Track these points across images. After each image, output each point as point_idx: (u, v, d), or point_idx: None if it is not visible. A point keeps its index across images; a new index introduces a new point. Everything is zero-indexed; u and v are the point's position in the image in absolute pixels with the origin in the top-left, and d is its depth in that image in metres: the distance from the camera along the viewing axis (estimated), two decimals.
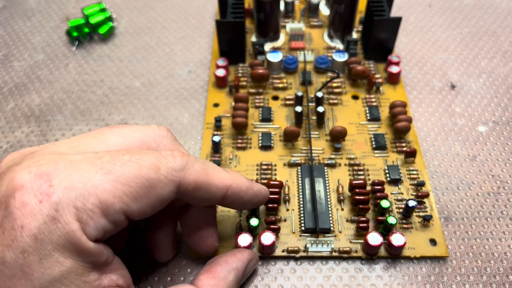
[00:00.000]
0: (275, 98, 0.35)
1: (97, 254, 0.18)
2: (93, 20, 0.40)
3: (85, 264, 0.18)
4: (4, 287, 0.17)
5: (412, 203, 0.27)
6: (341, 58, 0.35)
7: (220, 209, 0.28)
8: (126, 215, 0.19)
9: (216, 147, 0.30)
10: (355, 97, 0.34)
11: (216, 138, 0.30)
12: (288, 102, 0.34)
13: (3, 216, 0.17)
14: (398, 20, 0.34)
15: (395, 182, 0.29)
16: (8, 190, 0.17)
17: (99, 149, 0.20)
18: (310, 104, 0.33)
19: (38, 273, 0.17)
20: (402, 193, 0.29)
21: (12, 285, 0.17)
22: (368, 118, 0.33)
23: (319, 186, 0.29)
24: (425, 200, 0.28)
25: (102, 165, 0.18)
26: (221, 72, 0.34)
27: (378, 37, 0.35)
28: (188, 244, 0.25)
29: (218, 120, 0.32)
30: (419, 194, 0.28)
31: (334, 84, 0.35)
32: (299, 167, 0.30)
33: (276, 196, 0.27)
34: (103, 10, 0.41)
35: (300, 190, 0.29)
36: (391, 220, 0.26)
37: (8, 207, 0.17)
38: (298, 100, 0.32)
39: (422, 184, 0.29)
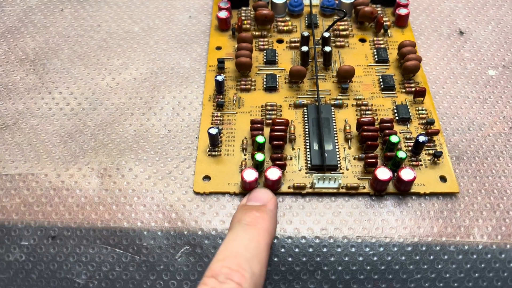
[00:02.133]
0: (280, 41, 0.33)
1: None
2: None
3: None
4: None
5: (422, 138, 0.26)
6: None
7: (224, 148, 0.27)
8: None
9: (220, 87, 0.29)
10: (362, 40, 0.33)
11: (220, 78, 0.29)
12: (293, 44, 0.33)
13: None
14: None
15: (404, 121, 0.28)
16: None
17: None
18: (316, 47, 0.32)
19: None
20: (411, 132, 0.28)
21: None
22: (376, 60, 0.32)
23: (325, 124, 0.28)
24: (435, 138, 0.28)
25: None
26: (223, 14, 0.33)
27: None
28: None
29: (221, 61, 0.31)
30: (429, 131, 0.27)
31: (341, 27, 0.33)
32: (305, 108, 0.29)
33: (282, 134, 0.27)
34: None
35: (307, 130, 0.28)
36: (401, 154, 0.25)
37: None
38: (304, 41, 0.31)
39: (432, 122, 0.28)
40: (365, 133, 0.27)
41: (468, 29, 0.35)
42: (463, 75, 0.32)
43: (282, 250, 0.24)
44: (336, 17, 0.35)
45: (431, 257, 0.23)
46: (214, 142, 0.27)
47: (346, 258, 0.23)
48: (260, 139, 0.26)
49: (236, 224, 0.22)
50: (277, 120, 0.27)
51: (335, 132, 0.28)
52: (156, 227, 0.24)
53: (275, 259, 0.23)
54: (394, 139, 0.26)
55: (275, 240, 0.24)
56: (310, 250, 0.24)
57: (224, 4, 0.34)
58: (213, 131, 0.26)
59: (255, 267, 0.19)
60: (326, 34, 0.31)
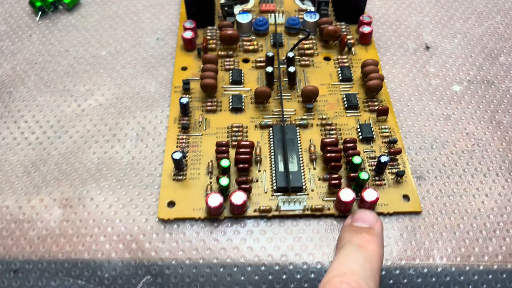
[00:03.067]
0: (246, 60, 0.34)
1: None
2: None
3: None
4: None
5: (384, 159, 0.26)
6: (312, 18, 0.34)
7: (190, 172, 0.27)
8: None
9: (184, 109, 0.29)
10: (327, 59, 0.33)
11: (184, 100, 0.29)
12: (259, 64, 0.33)
13: None
14: None
15: (368, 140, 0.29)
16: None
17: None
18: (281, 66, 0.32)
19: None
20: (374, 151, 0.28)
21: None
22: (340, 78, 0.32)
23: (290, 145, 0.28)
24: (398, 157, 0.28)
25: None
26: (188, 34, 0.33)
27: None
28: None
29: (186, 82, 0.31)
30: (392, 150, 0.28)
31: (306, 46, 0.34)
32: (271, 128, 0.29)
33: (247, 157, 0.27)
34: None
35: (272, 151, 0.28)
36: (363, 175, 0.25)
37: None
38: (269, 61, 0.31)
39: (394, 141, 0.28)
40: (328, 154, 0.27)
41: (434, 44, 0.35)
42: (428, 91, 0.32)
43: (242, 278, 0.24)
44: (301, 36, 0.35)
45: (391, 281, 0.23)
46: (179, 166, 0.27)
47: (306, 285, 0.23)
48: (224, 163, 0.26)
49: (348, 244, 0.22)
50: (242, 142, 0.27)
51: (300, 153, 0.28)
52: (116, 257, 0.24)
53: (236, 287, 0.23)
54: (356, 160, 0.26)
55: (235, 268, 0.24)
56: (270, 277, 0.24)
57: (189, 24, 0.34)
58: (177, 155, 0.26)
59: (372, 287, 0.19)
60: (291, 54, 0.31)
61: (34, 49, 0.35)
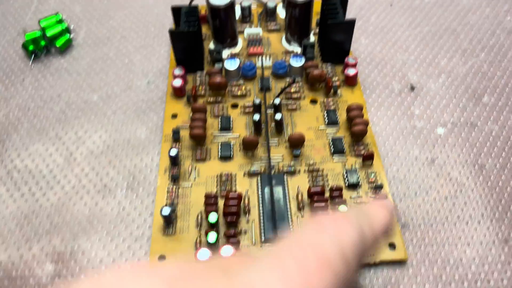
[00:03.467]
0: (235, 106, 0.34)
1: None
2: (49, 33, 0.39)
3: None
4: None
5: None
6: (298, 63, 0.35)
7: (179, 224, 0.28)
8: None
9: (174, 161, 0.30)
10: (313, 101, 0.34)
11: (173, 152, 0.30)
12: (247, 109, 0.34)
13: None
14: (352, 23, 0.34)
15: (354, 186, 0.29)
16: None
17: None
18: (269, 111, 0.33)
19: None
20: (361, 197, 0.29)
21: None
22: (326, 122, 0.33)
23: (278, 195, 0.29)
24: None
25: (295, 281, 0.13)
26: (178, 82, 0.34)
27: (333, 40, 0.35)
28: None
29: (176, 132, 0.32)
30: (378, 197, 0.28)
31: (293, 90, 0.34)
32: (258, 177, 0.30)
33: (235, 210, 0.27)
34: (60, 21, 0.40)
35: (260, 200, 0.29)
36: None
37: None
38: (257, 108, 0.32)
39: (380, 187, 0.29)
40: (315, 204, 0.27)
41: (419, 84, 0.36)
42: (412, 134, 0.33)
43: None
44: (288, 79, 0.35)
45: None
46: (168, 221, 0.28)
47: None
48: (212, 218, 0.27)
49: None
50: (231, 194, 0.28)
51: (288, 202, 0.28)
52: None
53: None
54: (342, 209, 0.27)
55: None
56: None
57: (179, 71, 0.35)
58: (166, 211, 0.27)
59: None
60: (277, 101, 0.32)
61: (27, 95, 0.36)
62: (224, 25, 0.35)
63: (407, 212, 0.29)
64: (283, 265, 0.13)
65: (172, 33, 0.33)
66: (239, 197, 0.28)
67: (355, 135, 0.31)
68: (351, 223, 0.16)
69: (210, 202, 0.28)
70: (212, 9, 0.34)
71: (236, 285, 0.13)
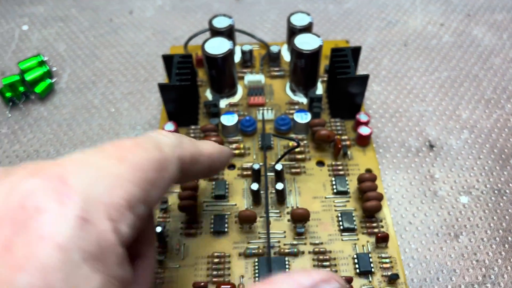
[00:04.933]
0: (232, 166, 0.30)
1: (127, 266, 0.15)
2: (29, 77, 0.36)
3: (114, 283, 0.14)
4: None
5: None
6: (303, 119, 0.31)
7: None
8: (146, 205, 0.16)
9: (160, 238, 0.26)
10: (320, 163, 0.30)
11: (158, 229, 0.26)
12: (245, 172, 0.30)
13: (12, 233, 0.13)
14: (365, 78, 0.30)
15: (366, 274, 0.25)
16: (12, 206, 0.13)
17: None
18: (269, 174, 0.29)
19: None
20: (373, 287, 0.25)
21: None
22: (335, 191, 0.29)
23: None
24: None
25: (113, 155, 0.16)
26: None
27: (344, 95, 0.31)
28: None
29: (163, 201, 0.28)
30: None
31: (297, 150, 0.31)
32: (256, 259, 0.26)
33: None
34: (41, 63, 0.37)
35: None
36: None
37: (17, 222, 0.13)
38: (255, 175, 0.28)
39: (396, 277, 0.25)
40: None
41: (438, 141, 0.32)
42: (433, 204, 0.29)
43: None
44: (292, 135, 0.32)
45: None
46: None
47: None
48: None
49: None
50: (222, 287, 0.24)
51: None
52: None
53: None
54: None
55: None
56: None
57: (170, 127, 0.31)
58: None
59: None
60: (279, 167, 0.28)
61: (1, 150, 0.32)
62: (222, 75, 0.32)
63: None
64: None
65: (162, 87, 0.29)
66: None
67: (367, 211, 0.27)
68: (171, 133, 0.20)
69: None
70: (209, 58, 0.30)
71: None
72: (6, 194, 0.14)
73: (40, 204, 0.13)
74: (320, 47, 0.31)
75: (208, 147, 0.22)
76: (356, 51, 0.31)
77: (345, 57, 0.30)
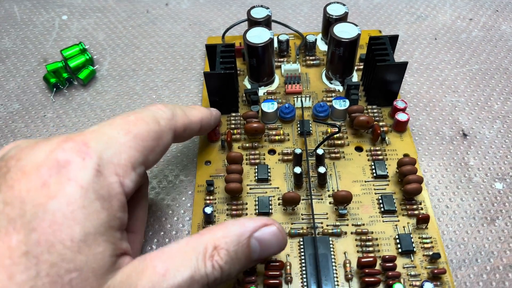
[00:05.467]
0: (272, 152, 0.32)
1: (125, 210, 0.20)
2: (72, 64, 0.37)
3: (115, 220, 0.19)
4: (44, 233, 0.17)
5: (428, 286, 0.24)
6: (342, 106, 0.32)
7: None
8: (145, 166, 0.22)
9: (209, 218, 0.27)
10: (358, 149, 0.31)
11: (208, 210, 0.27)
12: (286, 157, 0.31)
13: (48, 176, 0.18)
14: (404, 65, 0.31)
15: (408, 253, 0.26)
16: (50, 158, 0.19)
17: None
18: (310, 159, 0.30)
19: (79, 218, 0.18)
20: (415, 267, 0.26)
21: (52, 230, 0.17)
22: (374, 175, 0.30)
23: (324, 262, 0.26)
24: (441, 276, 0.25)
25: (120, 126, 0.21)
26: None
27: (381, 82, 0.32)
28: None
29: (210, 183, 0.29)
30: (435, 271, 0.25)
31: (335, 136, 0.32)
32: (301, 238, 0.27)
33: (277, 281, 0.24)
34: (83, 50, 0.38)
35: (303, 268, 0.26)
36: None
37: (53, 168, 0.18)
38: (297, 159, 0.29)
39: (437, 257, 0.26)
40: (366, 279, 0.25)
41: (472, 130, 0.33)
42: (468, 190, 0.30)
43: None
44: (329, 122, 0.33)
45: None
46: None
47: None
48: None
49: None
50: (271, 264, 0.25)
51: (334, 271, 0.25)
52: None
53: None
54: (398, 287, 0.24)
55: None
56: None
57: None
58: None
59: None
60: (320, 151, 0.29)
61: (48, 132, 0.34)
62: (262, 63, 0.33)
63: (469, 283, 0.26)
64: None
65: (207, 75, 0.30)
66: (281, 266, 0.25)
67: (408, 193, 0.28)
68: (166, 106, 0.25)
69: (248, 271, 0.25)
70: (250, 47, 0.31)
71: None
72: (46, 151, 0.19)
73: (69, 158, 0.19)
74: (358, 35, 0.32)
75: (198, 114, 0.27)
76: (394, 39, 0.32)
77: (383, 45, 0.31)
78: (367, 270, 0.25)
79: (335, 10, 0.35)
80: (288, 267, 0.26)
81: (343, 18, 0.35)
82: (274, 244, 0.22)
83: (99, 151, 0.20)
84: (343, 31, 0.32)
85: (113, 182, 0.19)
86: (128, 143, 0.21)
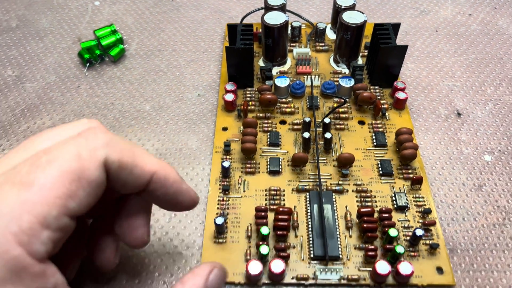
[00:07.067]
0: (283, 122, 0.35)
1: (45, 275, 0.17)
2: (104, 42, 0.41)
3: None
4: None
5: (419, 232, 0.27)
6: (347, 84, 0.36)
7: (230, 234, 0.28)
8: (68, 216, 0.18)
9: (226, 172, 0.31)
10: (361, 122, 0.35)
11: (226, 164, 0.31)
12: (295, 126, 0.34)
13: None
14: (404, 48, 0.34)
15: (402, 209, 0.30)
16: None
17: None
18: (317, 129, 0.34)
19: None
20: (409, 220, 0.29)
21: None
22: (375, 144, 0.33)
23: (327, 212, 0.29)
24: (431, 228, 0.29)
25: (22, 179, 0.17)
26: (229, 97, 0.35)
27: (384, 64, 0.35)
28: (118, 235, 0.23)
29: (227, 144, 0.33)
30: (426, 222, 0.28)
31: (341, 110, 0.35)
32: (307, 193, 0.30)
33: (285, 224, 0.28)
34: (114, 32, 0.42)
35: (309, 217, 0.29)
36: (399, 249, 0.26)
37: None
38: (306, 126, 0.33)
39: (428, 211, 0.29)
40: (365, 225, 0.28)
41: (465, 110, 0.36)
42: (459, 160, 0.33)
43: None
44: (336, 99, 0.36)
45: None
46: (220, 230, 0.28)
47: None
48: (264, 230, 0.27)
49: None
50: (281, 209, 0.28)
51: (336, 220, 0.29)
52: None
53: None
54: (393, 232, 0.27)
55: None
56: None
57: (230, 86, 0.36)
58: (219, 220, 0.27)
59: None
60: (327, 120, 0.33)
61: (82, 101, 0.37)
62: (276, 44, 0.36)
63: (455, 237, 0.29)
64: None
65: (228, 49, 0.34)
66: (289, 212, 0.28)
67: (404, 158, 0.31)
68: (108, 133, 0.20)
69: (260, 215, 0.29)
70: (267, 27, 0.35)
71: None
72: None
73: None
74: (365, 21, 0.35)
75: (154, 164, 0.21)
76: (396, 26, 0.36)
77: (387, 31, 0.35)
78: (365, 218, 0.28)
79: (344, 1, 0.39)
80: (295, 215, 0.29)
81: (351, 8, 0.39)
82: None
83: None
84: (351, 17, 0.36)
85: (17, 256, 0.16)
86: (31, 200, 0.17)
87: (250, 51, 0.34)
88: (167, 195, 0.22)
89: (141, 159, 0.20)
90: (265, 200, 0.30)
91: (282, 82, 0.36)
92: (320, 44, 0.41)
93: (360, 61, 0.39)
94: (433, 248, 0.27)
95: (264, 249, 0.26)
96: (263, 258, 0.27)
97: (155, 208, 0.24)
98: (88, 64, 0.40)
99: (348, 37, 0.36)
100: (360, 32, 0.36)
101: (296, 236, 0.28)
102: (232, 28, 0.37)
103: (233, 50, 0.34)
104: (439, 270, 0.27)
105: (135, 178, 0.20)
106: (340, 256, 0.27)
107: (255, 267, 0.26)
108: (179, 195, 0.22)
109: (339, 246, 0.28)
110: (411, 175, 0.31)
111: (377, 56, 0.35)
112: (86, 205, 0.18)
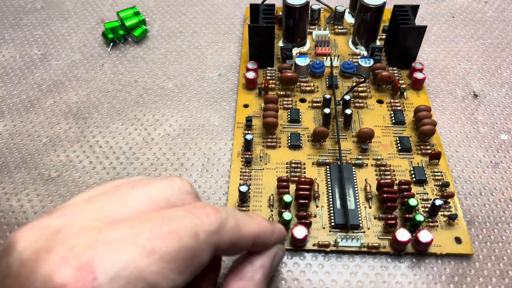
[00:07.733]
0: (303, 100, 0.36)
1: None
2: (128, 23, 0.42)
3: None
4: None
5: (438, 202, 0.28)
6: (367, 63, 0.36)
7: (252, 204, 0.29)
8: None
9: (248, 145, 0.32)
10: (380, 101, 0.36)
11: (249, 137, 0.31)
12: (315, 104, 0.35)
13: None
14: (423, 29, 0.35)
15: (421, 182, 0.30)
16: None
17: (128, 215, 0.18)
18: (337, 107, 0.35)
19: None
20: (427, 193, 0.30)
21: None
22: (393, 121, 0.34)
23: (348, 184, 0.30)
24: (449, 200, 0.29)
25: (143, 244, 0.17)
26: (251, 75, 0.36)
27: (402, 45, 0.36)
28: None
29: (249, 119, 0.34)
30: (445, 194, 0.29)
31: (360, 89, 0.36)
32: (327, 166, 0.31)
33: (307, 193, 0.29)
34: (136, 13, 0.43)
35: (329, 188, 0.30)
36: (419, 217, 0.27)
37: None
38: (326, 103, 0.34)
39: (447, 185, 0.30)
40: (385, 195, 0.29)
41: (482, 92, 0.37)
42: (476, 139, 0.34)
43: None
44: (355, 79, 0.37)
45: None
46: (244, 198, 0.29)
47: None
48: (287, 198, 0.28)
49: None
50: (302, 179, 0.29)
51: (356, 192, 0.30)
52: None
53: None
54: (412, 202, 0.28)
55: None
56: None
57: (252, 65, 0.37)
58: (244, 188, 0.28)
59: None
60: (347, 97, 0.33)
61: (106, 78, 0.38)
62: (297, 24, 0.37)
63: (473, 210, 0.29)
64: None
65: (250, 28, 0.35)
66: (311, 182, 0.29)
67: (423, 134, 0.32)
68: (217, 212, 0.19)
69: (283, 185, 0.30)
70: (288, 7, 0.36)
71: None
72: (38, 281, 0.15)
73: None
74: (384, 3, 0.36)
75: (254, 227, 0.21)
76: (415, 8, 0.37)
77: (406, 12, 0.36)
78: (385, 189, 0.29)
79: None
80: (316, 186, 0.30)
81: None
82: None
83: (108, 283, 0.15)
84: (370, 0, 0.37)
85: None
86: (149, 268, 0.16)
87: (272, 30, 0.35)
88: (267, 246, 0.22)
89: (245, 229, 0.20)
90: (286, 172, 0.31)
91: (302, 61, 0.37)
92: (339, 27, 0.41)
93: (378, 43, 0.39)
94: (451, 219, 0.28)
95: (287, 215, 0.27)
96: (285, 225, 0.27)
97: (178, 175, 0.25)
98: (111, 43, 0.41)
99: (368, 18, 0.37)
100: (380, 14, 0.36)
101: (317, 206, 0.29)
102: (254, 8, 0.37)
103: (256, 28, 0.35)
104: (458, 240, 0.28)
105: (240, 249, 0.21)
106: (361, 225, 0.28)
107: (300, 231, 0.27)
108: (276, 241, 0.23)
109: (360, 216, 0.28)
110: (429, 151, 0.32)
111: (396, 37, 0.36)
112: (186, 282, 0.18)
